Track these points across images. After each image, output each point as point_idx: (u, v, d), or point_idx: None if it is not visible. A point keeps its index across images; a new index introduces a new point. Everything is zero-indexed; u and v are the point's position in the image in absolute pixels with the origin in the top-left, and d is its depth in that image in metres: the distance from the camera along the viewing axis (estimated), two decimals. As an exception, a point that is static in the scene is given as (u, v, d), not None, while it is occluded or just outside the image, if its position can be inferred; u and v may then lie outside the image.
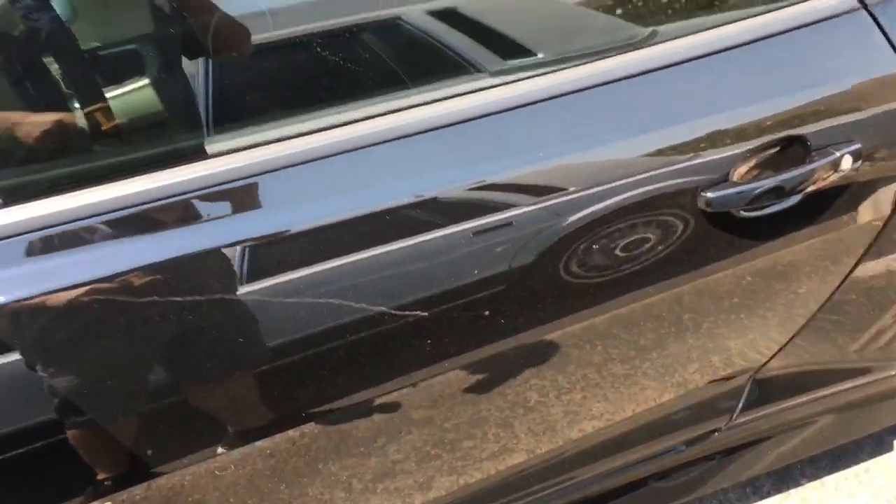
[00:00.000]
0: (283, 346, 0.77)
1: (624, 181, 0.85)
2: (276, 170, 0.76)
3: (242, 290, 0.75)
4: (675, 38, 0.90)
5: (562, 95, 0.84)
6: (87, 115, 0.81)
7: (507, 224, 0.82)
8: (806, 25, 0.91)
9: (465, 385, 0.89)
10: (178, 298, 0.73)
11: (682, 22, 0.99)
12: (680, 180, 0.87)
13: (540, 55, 0.91)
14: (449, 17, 0.97)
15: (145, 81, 0.84)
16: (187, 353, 0.76)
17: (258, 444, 0.82)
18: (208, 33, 0.86)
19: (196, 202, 0.75)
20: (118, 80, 0.83)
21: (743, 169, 0.89)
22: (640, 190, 0.86)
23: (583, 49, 0.91)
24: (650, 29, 0.93)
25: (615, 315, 0.92)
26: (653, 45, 0.89)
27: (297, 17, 0.93)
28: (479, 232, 0.81)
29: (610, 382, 0.98)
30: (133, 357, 0.74)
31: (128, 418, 0.76)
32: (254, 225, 0.75)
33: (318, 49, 0.91)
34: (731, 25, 0.91)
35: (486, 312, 0.84)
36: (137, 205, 0.73)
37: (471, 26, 0.97)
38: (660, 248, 0.89)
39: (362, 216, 0.77)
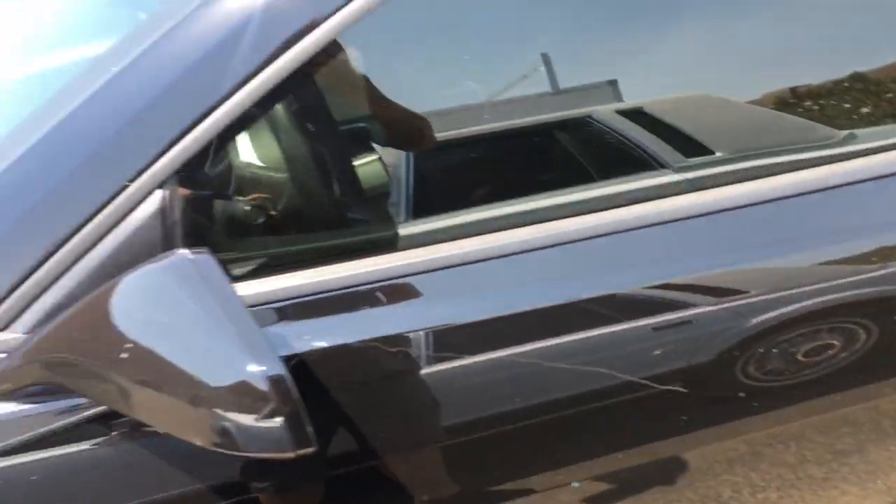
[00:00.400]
0: (469, 424, 0.81)
1: (839, 282, 0.87)
2: (464, 264, 0.81)
3: (431, 369, 0.79)
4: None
5: (793, 196, 0.88)
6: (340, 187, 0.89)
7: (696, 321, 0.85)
8: None
9: (653, 474, 0.90)
10: (386, 373, 0.79)
11: (881, 126, 0.99)
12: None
13: (721, 153, 0.94)
14: (637, 116, 1.02)
15: (375, 156, 0.90)
16: (386, 423, 0.81)
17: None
18: (386, 126, 0.92)
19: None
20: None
21: None
22: (853, 292, 0.87)
23: (772, 147, 0.93)
24: (847, 132, 0.95)
25: (810, 417, 0.92)
26: (877, 151, 0.92)
27: (497, 113, 0.98)
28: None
29: (807, 484, 0.95)
30: (330, 427, 0.78)
31: (314, 482, 0.80)
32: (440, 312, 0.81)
33: (513, 144, 0.98)
34: None
35: (681, 403, 0.85)
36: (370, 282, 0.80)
37: (658, 125, 1.01)
38: (863, 351, 0.89)
39: (550, 307, 0.82)
